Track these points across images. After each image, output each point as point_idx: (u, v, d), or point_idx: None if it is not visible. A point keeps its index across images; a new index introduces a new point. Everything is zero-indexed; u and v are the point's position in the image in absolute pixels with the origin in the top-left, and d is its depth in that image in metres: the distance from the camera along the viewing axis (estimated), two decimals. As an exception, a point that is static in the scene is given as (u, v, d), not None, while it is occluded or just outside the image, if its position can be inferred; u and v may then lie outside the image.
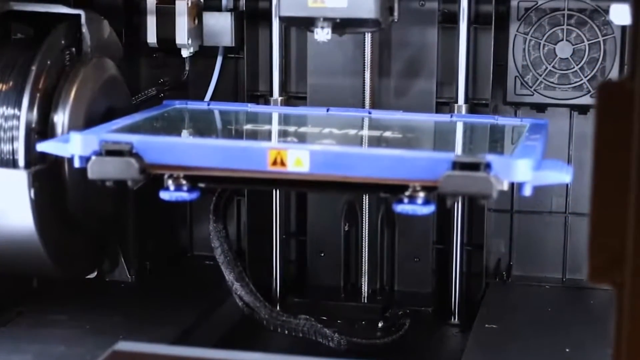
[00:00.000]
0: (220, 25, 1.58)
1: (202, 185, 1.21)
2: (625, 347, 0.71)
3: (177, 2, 1.54)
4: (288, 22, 1.42)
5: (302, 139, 1.30)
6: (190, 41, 1.55)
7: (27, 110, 1.32)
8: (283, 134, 1.38)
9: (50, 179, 1.35)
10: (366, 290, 1.62)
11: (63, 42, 1.39)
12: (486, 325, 1.42)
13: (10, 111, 1.32)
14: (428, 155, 1.15)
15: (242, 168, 1.17)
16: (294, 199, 1.69)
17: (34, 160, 1.32)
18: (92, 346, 1.32)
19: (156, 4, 1.55)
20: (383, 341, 1.48)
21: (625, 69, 1.52)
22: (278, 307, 1.62)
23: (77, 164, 1.20)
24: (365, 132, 1.37)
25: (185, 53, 1.58)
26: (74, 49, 1.41)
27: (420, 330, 1.55)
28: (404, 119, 1.43)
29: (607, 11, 1.50)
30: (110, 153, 1.17)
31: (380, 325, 1.54)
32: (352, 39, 1.56)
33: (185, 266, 1.74)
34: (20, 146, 1.31)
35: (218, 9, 1.60)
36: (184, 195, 1.19)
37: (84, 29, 1.41)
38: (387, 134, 1.31)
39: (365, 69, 1.55)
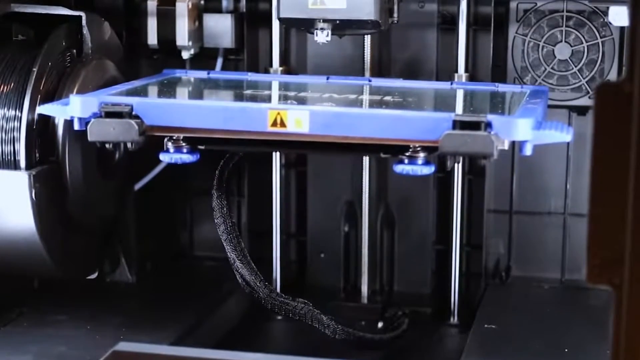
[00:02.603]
0: (221, 27, 1.58)
1: (201, 147, 1.21)
2: (623, 347, 0.71)
3: (177, 3, 1.54)
4: (288, 24, 1.42)
5: (302, 101, 1.29)
6: (190, 43, 1.56)
7: (28, 111, 1.32)
8: (283, 98, 1.37)
9: (51, 180, 1.35)
10: (366, 290, 1.62)
11: (64, 43, 1.39)
12: (485, 326, 1.42)
13: (11, 112, 1.32)
14: (429, 115, 1.15)
15: (242, 129, 1.17)
16: (294, 198, 1.70)
17: (35, 161, 1.33)
18: (93, 346, 1.32)
19: (157, 5, 1.56)
20: (379, 336, 1.48)
21: (624, 70, 1.52)
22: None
23: (76, 126, 1.21)
24: (366, 97, 1.36)
25: (185, 55, 1.58)
26: (74, 51, 1.41)
27: (420, 330, 1.55)
28: (404, 86, 1.42)
29: (605, 13, 1.50)
30: (110, 115, 1.17)
31: (379, 325, 1.55)
32: (351, 40, 1.57)
33: (186, 267, 1.74)
34: (21, 147, 1.31)
35: (218, 10, 1.60)
36: (183, 157, 1.20)
37: (85, 31, 1.42)
38: (387, 98, 1.30)
39: (365, 70, 1.55)
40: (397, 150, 1.14)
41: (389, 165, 1.61)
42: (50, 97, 1.35)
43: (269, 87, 1.45)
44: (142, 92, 1.33)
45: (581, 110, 1.57)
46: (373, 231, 1.63)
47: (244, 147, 1.29)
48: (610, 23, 1.50)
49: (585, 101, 1.55)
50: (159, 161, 1.63)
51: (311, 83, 1.46)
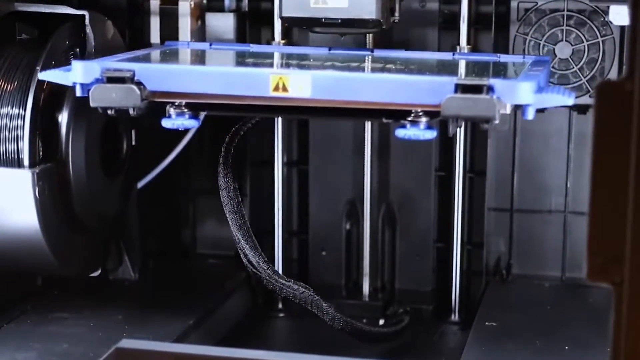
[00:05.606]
0: (223, 26, 1.58)
1: (203, 112, 1.21)
2: (624, 345, 0.71)
3: (180, 2, 1.54)
4: (290, 23, 1.43)
5: (304, 68, 1.28)
6: (193, 41, 1.56)
7: (32, 110, 1.32)
8: (285, 65, 1.37)
9: (54, 178, 1.36)
10: (367, 288, 1.63)
11: (67, 42, 1.40)
12: (486, 323, 1.43)
13: (15, 111, 1.33)
14: (431, 78, 1.15)
15: (245, 94, 1.16)
16: (296, 197, 1.70)
17: (39, 159, 1.33)
18: (96, 344, 1.33)
19: (159, 4, 1.56)
20: (377, 328, 1.48)
21: (624, 69, 1.53)
22: (280, 305, 1.63)
23: (78, 92, 1.20)
24: (368, 65, 1.36)
25: (188, 53, 1.58)
26: (78, 50, 1.42)
27: (421, 328, 1.56)
28: (406, 56, 1.42)
29: (606, 12, 1.50)
30: (112, 80, 1.17)
31: (381, 323, 1.56)
32: (353, 39, 1.57)
33: (189, 264, 1.75)
34: (24, 145, 1.32)
35: (221, 9, 1.60)
36: (185, 123, 1.19)
37: (88, 30, 1.42)
38: (390, 65, 1.29)
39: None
40: (400, 115, 1.14)
41: (390, 163, 1.62)
42: (53, 96, 1.36)
43: (271, 57, 1.45)
44: (144, 59, 1.32)
45: (582, 109, 1.58)
46: (374, 229, 1.63)
47: (247, 112, 1.28)
48: (610, 22, 1.50)
49: (586, 100, 1.55)
50: (162, 159, 1.64)
51: (313, 53, 1.46)
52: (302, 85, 1.14)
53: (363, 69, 1.31)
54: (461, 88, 1.10)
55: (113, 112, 1.19)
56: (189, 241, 1.77)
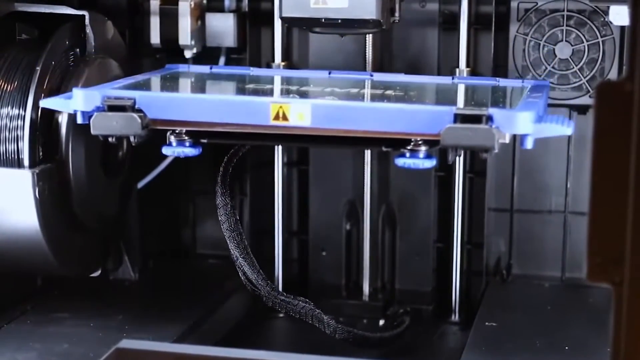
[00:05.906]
0: (223, 26, 1.59)
1: (204, 140, 1.21)
2: (623, 344, 0.71)
3: (180, 3, 1.55)
4: (290, 23, 1.43)
5: (304, 95, 1.29)
6: (193, 42, 1.56)
7: (32, 110, 1.32)
8: (286, 92, 1.37)
9: (54, 178, 1.36)
10: (367, 288, 1.63)
11: (67, 42, 1.40)
12: (486, 323, 1.43)
13: (15, 111, 1.33)
14: (430, 108, 1.15)
15: (245, 123, 1.18)
16: (296, 197, 1.71)
17: (39, 159, 1.33)
18: (96, 344, 1.33)
19: (159, 5, 1.56)
20: (380, 334, 1.48)
21: (624, 69, 1.53)
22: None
23: (79, 120, 1.21)
24: (367, 91, 1.37)
25: (188, 54, 1.58)
26: (78, 50, 1.42)
27: (421, 328, 1.56)
28: (405, 81, 1.43)
29: (606, 12, 1.51)
30: (113, 108, 1.18)
31: (381, 323, 1.56)
32: (353, 39, 1.57)
33: (189, 264, 1.75)
34: (25, 146, 1.32)
35: (221, 10, 1.61)
36: (186, 151, 1.20)
37: (88, 30, 1.42)
38: (389, 92, 1.30)
39: (366, 69, 1.55)
40: (399, 144, 1.15)
41: (390, 163, 1.62)
42: (53, 96, 1.36)
43: (271, 82, 1.45)
44: (144, 86, 1.33)
45: (582, 109, 1.58)
46: (374, 229, 1.63)
47: (247, 140, 1.29)
48: (610, 22, 1.50)
49: (586, 100, 1.55)
50: (162, 159, 1.64)
51: (313, 77, 1.46)
52: (302, 114, 1.15)
53: (362, 97, 1.32)
54: (460, 118, 1.10)
55: (114, 139, 1.20)
56: (189, 241, 1.77)
